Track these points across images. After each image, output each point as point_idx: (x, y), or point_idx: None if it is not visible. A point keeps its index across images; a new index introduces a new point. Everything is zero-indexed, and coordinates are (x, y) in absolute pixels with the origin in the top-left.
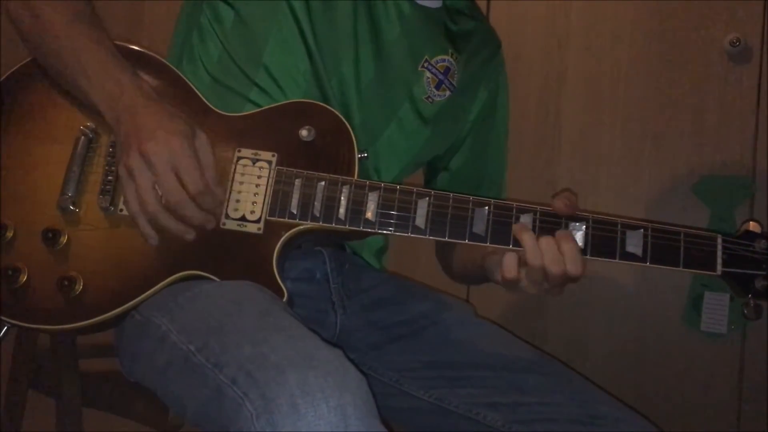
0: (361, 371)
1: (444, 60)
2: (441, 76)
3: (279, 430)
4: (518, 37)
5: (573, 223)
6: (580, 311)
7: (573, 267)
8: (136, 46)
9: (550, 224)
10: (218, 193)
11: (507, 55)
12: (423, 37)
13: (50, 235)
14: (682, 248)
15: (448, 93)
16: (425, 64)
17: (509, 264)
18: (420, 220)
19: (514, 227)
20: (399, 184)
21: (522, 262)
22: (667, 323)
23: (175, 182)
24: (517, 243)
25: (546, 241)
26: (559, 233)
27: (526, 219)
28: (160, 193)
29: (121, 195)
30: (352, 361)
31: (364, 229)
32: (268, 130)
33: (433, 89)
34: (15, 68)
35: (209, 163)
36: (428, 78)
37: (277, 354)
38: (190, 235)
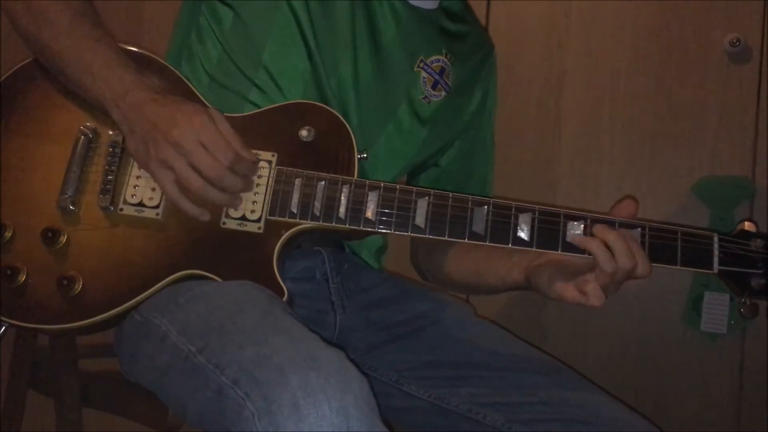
0: (361, 371)
1: (439, 60)
2: (437, 76)
3: (281, 430)
4: (518, 38)
5: (571, 222)
6: (580, 311)
7: (643, 269)
8: (135, 47)
9: (549, 224)
10: (249, 154)
11: (507, 55)
12: (418, 38)
13: (50, 234)
14: (679, 247)
15: (443, 93)
16: (421, 64)
17: (595, 293)
18: (420, 219)
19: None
20: (398, 183)
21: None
22: (667, 323)
23: (209, 157)
24: (519, 242)
25: (615, 239)
26: (625, 233)
27: (525, 218)
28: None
29: (122, 194)
30: (352, 361)
31: (364, 229)
32: (268, 130)
33: (430, 89)
34: (15, 69)
35: (229, 131)
36: (424, 78)
37: (278, 355)
38: (239, 203)
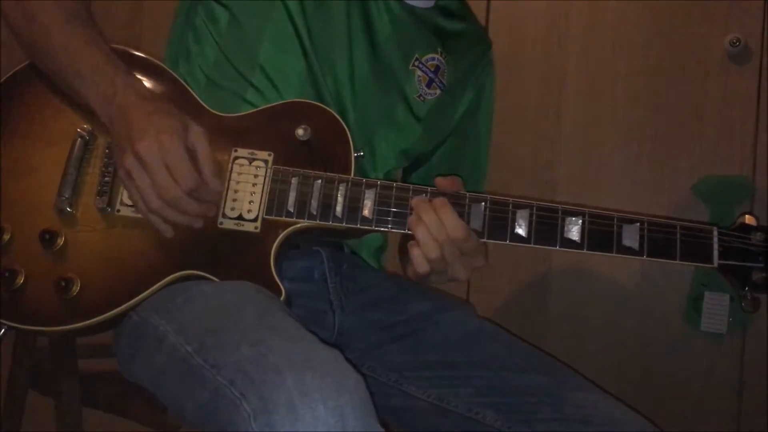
0: (360, 371)
1: (434, 58)
2: (431, 75)
3: (277, 430)
4: (518, 37)
5: (569, 218)
6: (580, 311)
7: (454, 232)
8: (131, 49)
9: (547, 219)
10: (215, 184)
11: (507, 54)
12: (413, 36)
13: (47, 236)
14: (678, 241)
15: (438, 91)
16: (416, 63)
17: (418, 258)
18: None
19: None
20: (395, 181)
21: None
22: (667, 323)
23: (168, 179)
24: (517, 239)
25: (427, 215)
26: (435, 201)
27: (523, 214)
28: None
29: (119, 195)
30: (350, 361)
31: (361, 227)
32: (265, 129)
33: (425, 87)
34: (12, 71)
35: (205, 154)
36: (419, 76)
37: (275, 355)
38: (198, 224)
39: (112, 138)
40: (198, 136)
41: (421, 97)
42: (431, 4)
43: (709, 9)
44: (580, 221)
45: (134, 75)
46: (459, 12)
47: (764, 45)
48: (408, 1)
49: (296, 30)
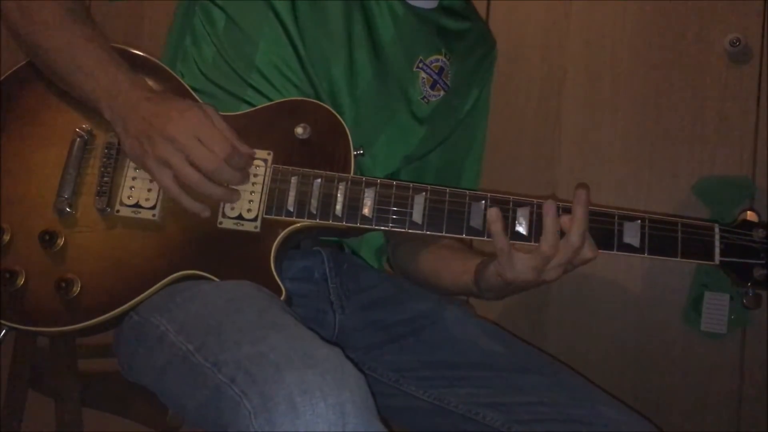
0: (361, 371)
1: (438, 60)
2: (435, 76)
3: (277, 429)
4: (518, 37)
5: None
6: (580, 311)
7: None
8: (133, 48)
9: None
10: (244, 148)
11: (507, 55)
12: (416, 38)
13: (47, 237)
14: (679, 238)
15: (442, 92)
16: (420, 65)
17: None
18: (417, 216)
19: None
20: (395, 180)
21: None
22: (667, 323)
23: (206, 150)
24: (518, 237)
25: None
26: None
27: (523, 212)
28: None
29: (118, 195)
30: (351, 359)
31: (361, 226)
32: (264, 128)
33: (428, 89)
34: (11, 71)
35: (224, 126)
36: (423, 78)
37: (275, 353)
38: (237, 198)
39: (124, 135)
40: (212, 111)
41: (425, 99)
42: (435, 4)
43: (709, 9)
44: None
45: (137, 72)
46: (463, 11)
47: (764, 45)
48: (411, 2)
49: (288, 33)
